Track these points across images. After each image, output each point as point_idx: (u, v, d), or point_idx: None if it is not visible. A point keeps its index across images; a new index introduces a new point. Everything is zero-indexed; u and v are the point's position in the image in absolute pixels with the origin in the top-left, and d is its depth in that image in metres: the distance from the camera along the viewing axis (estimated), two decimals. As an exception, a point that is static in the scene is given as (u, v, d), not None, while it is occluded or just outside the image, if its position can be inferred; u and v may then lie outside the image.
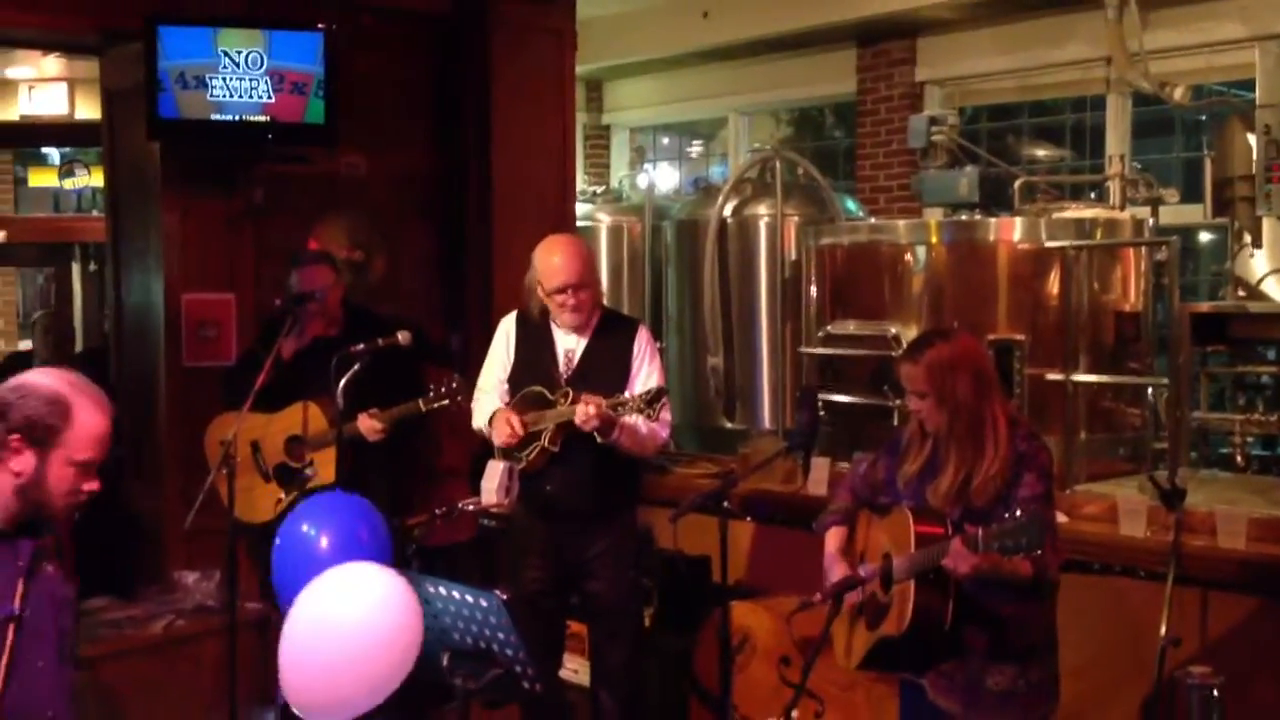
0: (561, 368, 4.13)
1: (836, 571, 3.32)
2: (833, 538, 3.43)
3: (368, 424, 4.38)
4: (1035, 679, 3.17)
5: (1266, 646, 3.77)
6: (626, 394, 3.90)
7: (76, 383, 2.56)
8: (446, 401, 4.35)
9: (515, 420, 4.02)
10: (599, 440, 3.95)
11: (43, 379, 2.55)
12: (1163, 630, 3.42)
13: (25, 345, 7.24)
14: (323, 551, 2.91)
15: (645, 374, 4.12)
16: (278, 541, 3.03)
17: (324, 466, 4.31)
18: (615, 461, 4.05)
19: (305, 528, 3.00)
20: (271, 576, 2.94)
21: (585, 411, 3.84)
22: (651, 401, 3.82)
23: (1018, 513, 2.89)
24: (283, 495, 4.34)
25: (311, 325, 4.55)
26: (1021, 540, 2.83)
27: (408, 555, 3.57)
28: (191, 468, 4.68)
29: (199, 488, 4.14)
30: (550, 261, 4.08)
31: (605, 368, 4.11)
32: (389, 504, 4.60)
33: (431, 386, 4.37)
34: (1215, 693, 3.30)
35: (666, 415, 4.14)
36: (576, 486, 4.05)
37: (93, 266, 8.35)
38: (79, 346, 7.74)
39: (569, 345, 4.17)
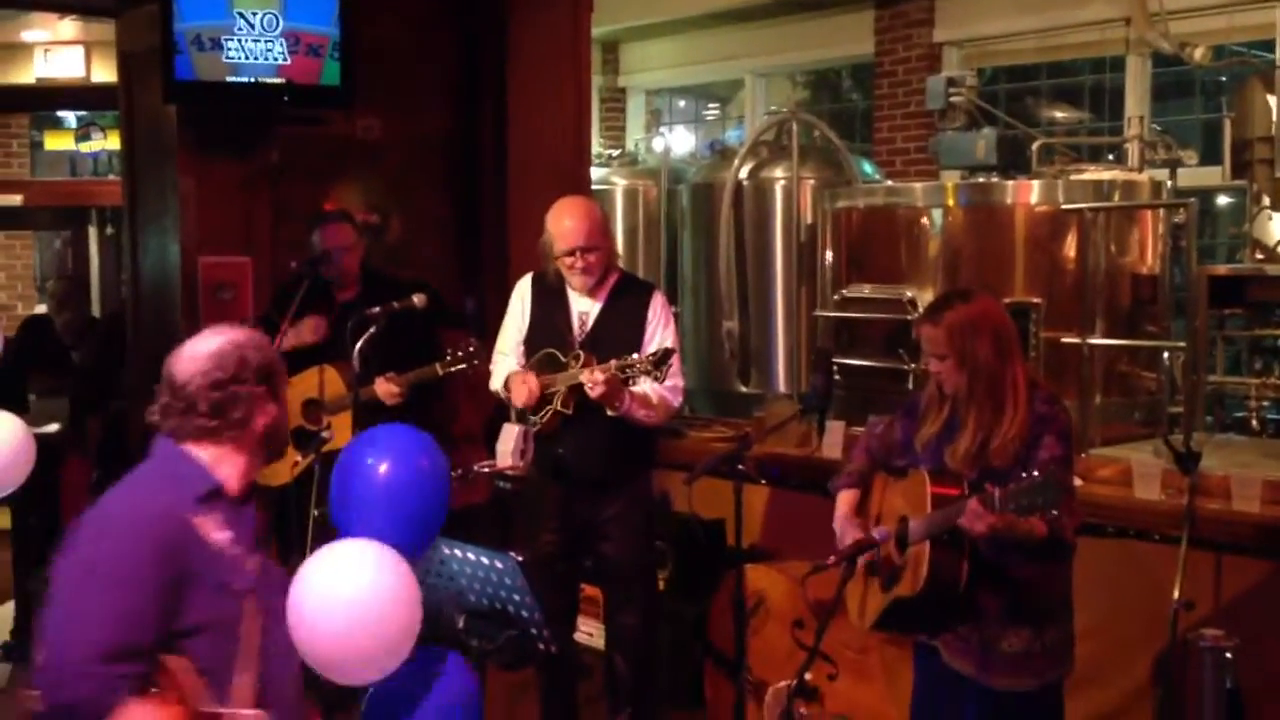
0: (575, 330, 4.14)
1: (848, 534, 3.33)
2: (844, 500, 3.43)
3: (385, 388, 4.41)
4: (1050, 641, 3.18)
5: (1279, 609, 3.77)
6: (635, 355, 3.90)
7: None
8: (464, 365, 4.37)
9: (532, 380, 4.03)
10: (609, 413, 3.95)
11: (223, 334, 2.48)
12: (1176, 593, 3.43)
13: (42, 309, 7.28)
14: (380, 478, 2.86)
15: (659, 338, 4.12)
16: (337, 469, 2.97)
17: (341, 430, 4.33)
18: (629, 427, 4.06)
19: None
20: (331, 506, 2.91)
21: (593, 378, 3.85)
22: (659, 362, 3.82)
23: (1034, 473, 2.89)
24: (299, 458, 4.37)
25: (339, 292, 4.57)
26: (1038, 500, 2.83)
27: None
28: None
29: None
30: (561, 224, 4.08)
31: (619, 331, 4.11)
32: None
33: (449, 350, 4.38)
34: (1228, 655, 3.30)
35: (680, 381, 4.15)
36: (590, 451, 4.06)
37: (109, 230, 8.38)
38: (95, 310, 7.81)
39: (583, 308, 4.17)
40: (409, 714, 2.86)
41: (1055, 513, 2.89)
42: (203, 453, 2.42)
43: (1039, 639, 3.16)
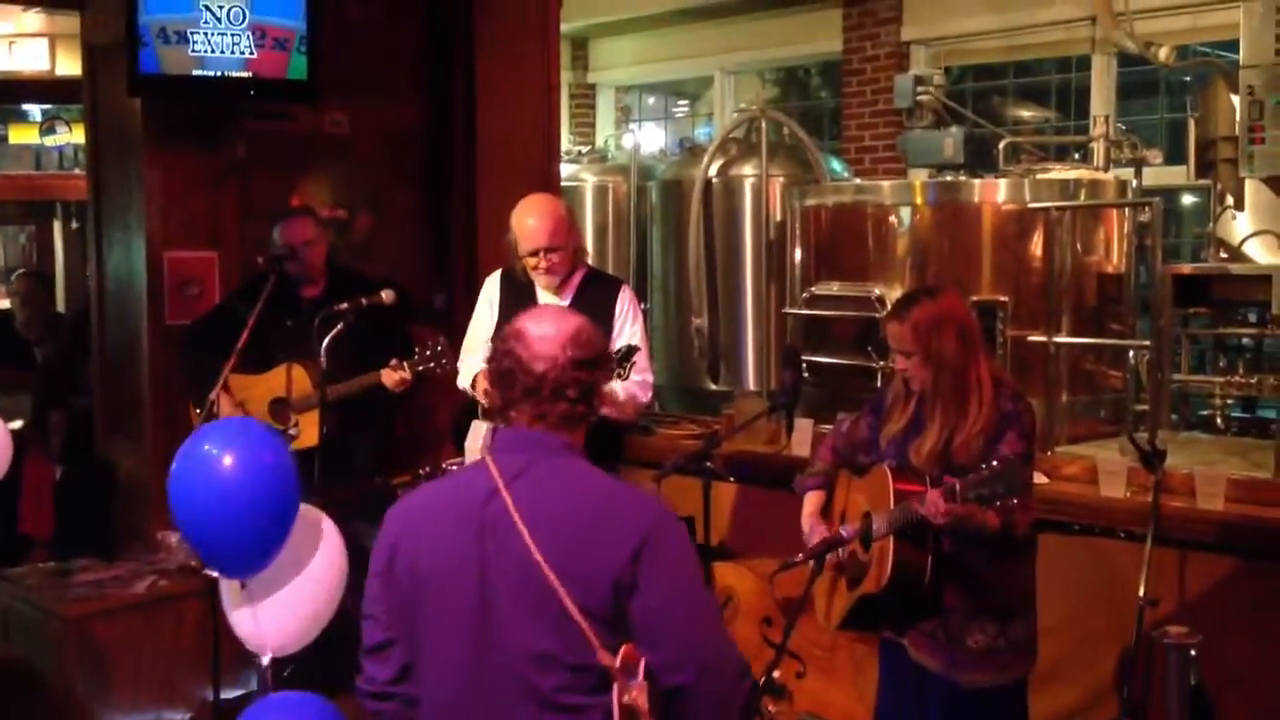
0: (544, 328, 4.12)
1: (815, 533, 3.34)
2: (810, 500, 3.45)
3: (394, 376, 4.35)
4: (1015, 638, 3.20)
5: (1243, 606, 3.81)
6: None
7: None
8: (432, 364, 4.34)
9: None
10: None
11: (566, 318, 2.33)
12: (1141, 590, 3.46)
13: (5, 304, 7.19)
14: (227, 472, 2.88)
15: (627, 334, 4.11)
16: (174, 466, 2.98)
17: (307, 428, 4.30)
18: (596, 423, 4.03)
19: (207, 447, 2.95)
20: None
21: None
22: (623, 359, 3.81)
23: (993, 463, 2.91)
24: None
25: (305, 289, 4.54)
26: (998, 488, 2.86)
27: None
28: (174, 426, 4.67)
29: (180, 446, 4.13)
30: (524, 224, 4.07)
31: (588, 327, 4.09)
32: (374, 464, 4.62)
33: (417, 349, 4.36)
34: (1192, 652, 3.34)
35: (649, 377, 4.14)
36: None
37: (75, 224, 8.28)
38: (60, 305, 7.71)
39: (551, 304, 4.16)
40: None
41: (1014, 502, 2.91)
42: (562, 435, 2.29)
43: (1003, 635, 3.18)
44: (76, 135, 8.75)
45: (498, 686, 2.16)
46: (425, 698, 2.25)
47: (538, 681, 2.13)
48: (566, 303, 4.15)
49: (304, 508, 2.98)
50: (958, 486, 2.91)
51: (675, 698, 2.13)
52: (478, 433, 3.93)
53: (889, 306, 5.01)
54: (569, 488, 2.23)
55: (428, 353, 4.34)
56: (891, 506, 3.09)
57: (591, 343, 2.28)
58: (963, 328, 3.19)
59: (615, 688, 2.08)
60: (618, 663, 2.09)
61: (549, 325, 2.27)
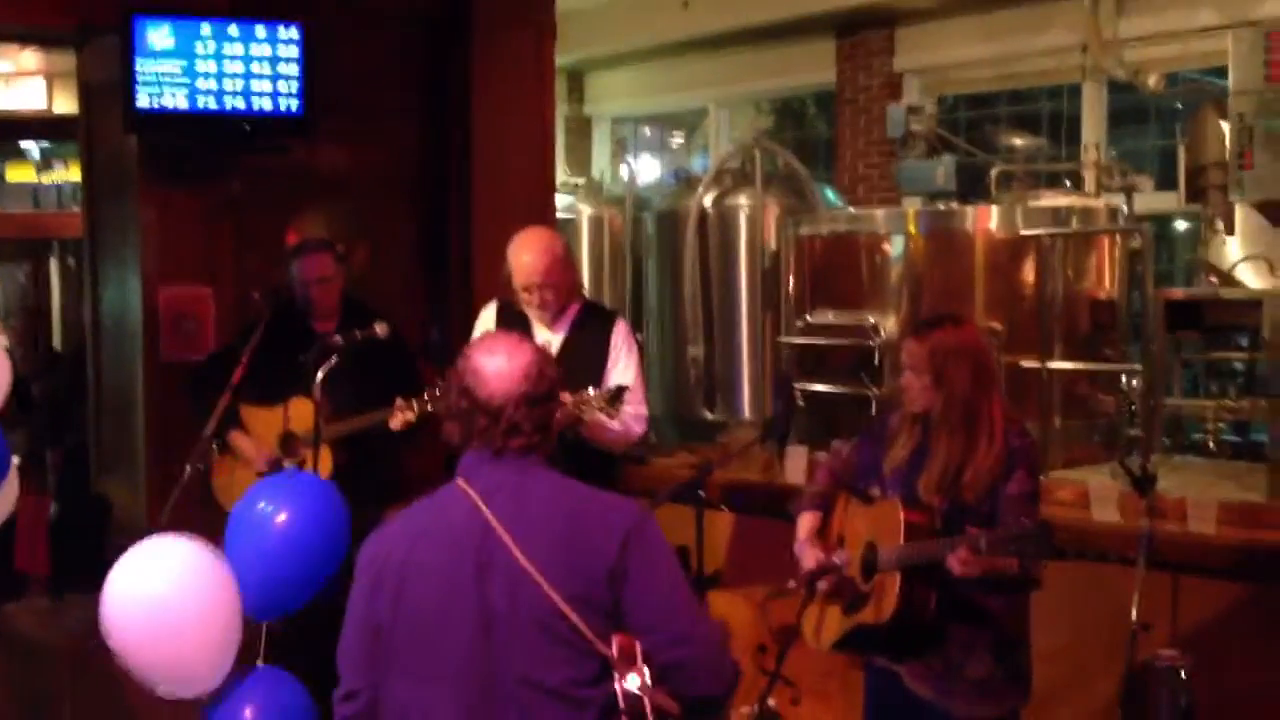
0: (537, 360, 4.13)
1: (808, 557, 3.32)
2: (805, 523, 3.42)
3: (399, 418, 4.31)
4: (1012, 669, 3.19)
5: (1236, 630, 3.80)
6: (590, 390, 3.89)
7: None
8: (441, 405, 4.30)
9: None
10: (569, 436, 3.95)
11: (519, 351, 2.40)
12: (1134, 615, 3.44)
13: (3, 340, 7.21)
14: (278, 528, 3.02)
15: (622, 367, 4.12)
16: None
17: (323, 460, 4.28)
18: (589, 454, 4.05)
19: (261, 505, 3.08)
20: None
21: None
22: (613, 399, 3.83)
23: (1024, 521, 2.90)
24: (260, 489, 4.33)
25: (318, 323, 4.52)
26: (1027, 548, 2.88)
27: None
28: (170, 463, 4.67)
29: (176, 482, 4.15)
30: (520, 259, 4.09)
31: (582, 360, 4.11)
32: (384, 496, 4.58)
33: (427, 391, 4.33)
34: (1183, 675, 3.33)
35: (643, 409, 4.15)
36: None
37: (71, 262, 8.32)
38: (57, 343, 7.74)
39: (546, 338, 4.17)
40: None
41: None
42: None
43: (1001, 666, 3.17)
44: (74, 173, 8.81)
45: (503, 693, 2.23)
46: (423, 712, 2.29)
47: (543, 678, 2.22)
48: (562, 335, 4.17)
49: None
50: (984, 541, 2.89)
51: (673, 674, 2.26)
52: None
53: (883, 335, 5.06)
54: (548, 496, 2.34)
55: (436, 392, 4.32)
56: (901, 538, 3.07)
57: (545, 376, 2.35)
58: (979, 363, 3.18)
59: (616, 675, 2.21)
60: (614, 652, 2.21)
61: (502, 360, 2.33)
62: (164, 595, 2.92)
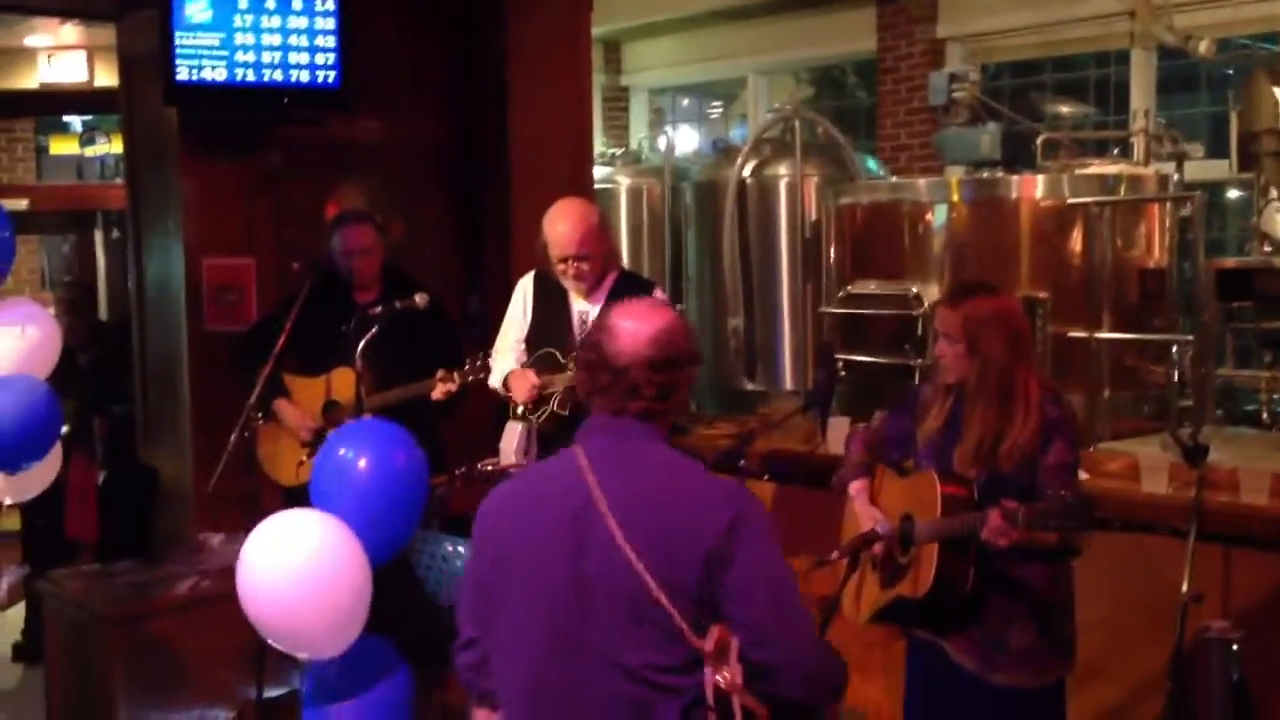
0: (576, 330, 4.12)
1: (867, 522, 3.28)
2: (861, 490, 3.38)
3: (441, 388, 4.32)
4: (1055, 638, 3.15)
5: (1289, 602, 3.75)
6: None
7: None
8: (482, 375, 4.32)
9: (533, 375, 4.03)
10: None
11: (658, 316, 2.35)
12: (1184, 587, 3.41)
13: (50, 310, 7.29)
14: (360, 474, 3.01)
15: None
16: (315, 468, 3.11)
17: None
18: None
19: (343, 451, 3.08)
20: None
21: None
22: None
23: (1064, 494, 2.87)
24: (304, 458, 4.36)
25: (360, 294, 4.53)
26: (1067, 522, 2.84)
27: (429, 515, 3.58)
28: (214, 430, 4.71)
29: (222, 450, 4.18)
30: (556, 229, 4.07)
31: (621, 330, 4.09)
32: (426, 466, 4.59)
33: (467, 362, 4.35)
34: (1234, 647, 3.29)
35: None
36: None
37: (115, 234, 8.39)
38: (103, 313, 7.81)
39: (583, 308, 4.16)
40: (344, 701, 2.97)
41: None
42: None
43: (1044, 635, 3.14)
44: (116, 146, 8.89)
45: (586, 665, 2.20)
46: (508, 678, 2.30)
47: (624, 657, 2.16)
48: (599, 306, 4.14)
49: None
50: (1020, 514, 2.85)
51: (763, 674, 2.16)
52: (512, 433, 3.94)
53: (925, 305, 5.01)
54: (655, 470, 2.26)
55: (478, 364, 4.33)
56: (938, 514, 3.04)
57: (673, 343, 2.30)
58: (1015, 332, 3.14)
59: (707, 670, 2.12)
60: (710, 645, 2.12)
61: (635, 322, 2.31)
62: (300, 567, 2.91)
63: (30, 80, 8.97)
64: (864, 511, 3.33)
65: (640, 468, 2.26)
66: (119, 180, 8.22)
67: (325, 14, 4.99)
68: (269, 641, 2.96)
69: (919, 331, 4.99)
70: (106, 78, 8.43)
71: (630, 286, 4.23)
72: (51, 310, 7.26)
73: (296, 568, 2.85)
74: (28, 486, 3.93)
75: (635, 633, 2.15)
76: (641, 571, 2.13)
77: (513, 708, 2.30)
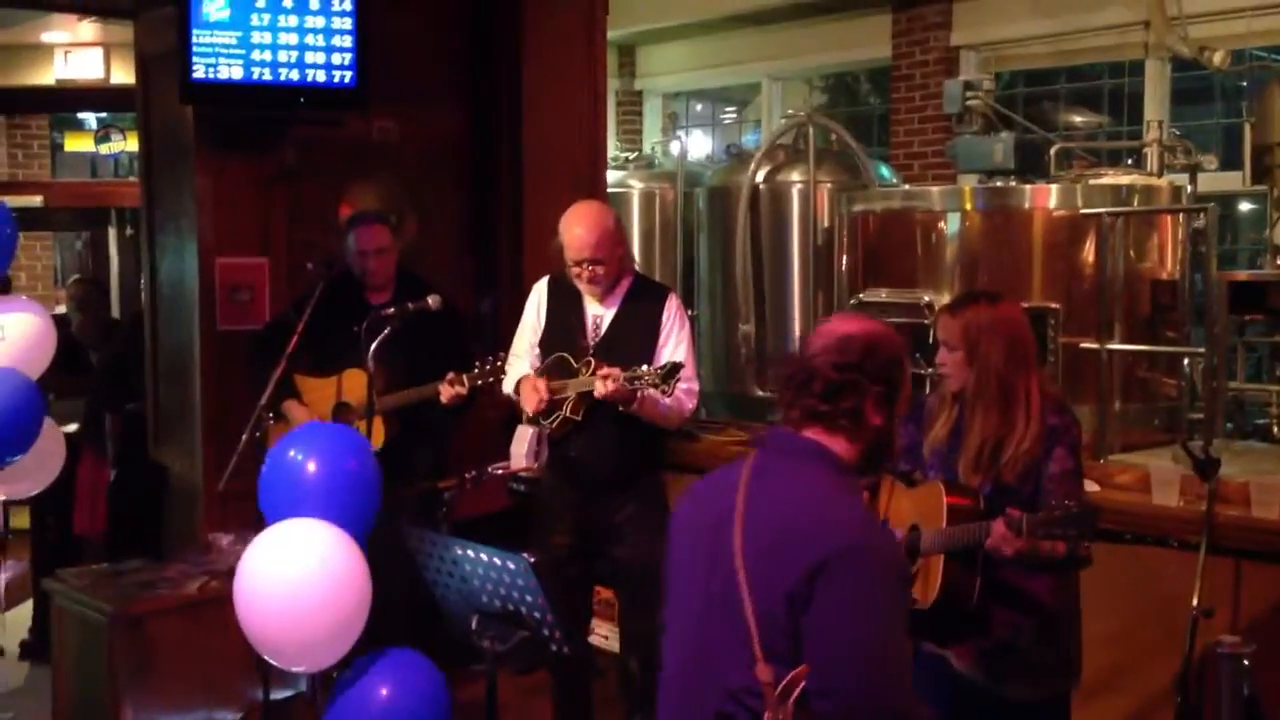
0: (589, 335, 4.13)
1: None
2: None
3: (449, 391, 4.34)
4: (1060, 652, 3.15)
5: (1300, 617, 3.73)
6: (644, 367, 3.88)
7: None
8: (491, 379, 4.33)
9: (542, 386, 4.03)
10: (621, 409, 3.95)
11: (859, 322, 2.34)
12: (1195, 601, 3.39)
13: (61, 309, 7.32)
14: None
15: (673, 343, 4.10)
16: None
17: (376, 433, 4.30)
18: (638, 429, 4.05)
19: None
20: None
21: (603, 386, 3.85)
22: (667, 376, 3.81)
23: (1068, 503, 2.87)
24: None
25: (373, 295, 4.54)
26: (1070, 530, 2.83)
27: (438, 518, 3.58)
28: (225, 430, 4.72)
29: (233, 450, 4.19)
30: (572, 232, 4.07)
31: (633, 336, 4.10)
32: (433, 469, 4.61)
33: (477, 364, 4.35)
34: (1245, 662, 3.27)
35: (695, 385, 4.14)
36: (599, 453, 4.05)
37: (129, 231, 8.41)
38: (115, 311, 7.83)
39: (598, 312, 4.16)
40: (373, 714, 2.96)
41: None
42: (817, 439, 2.27)
43: (1050, 649, 3.13)
44: (131, 144, 8.91)
45: (701, 680, 2.21)
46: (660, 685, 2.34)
47: (724, 675, 2.15)
48: (613, 310, 4.15)
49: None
50: (1025, 522, 2.85)
51: None
52: (522, 437, 3.94)
53: (937, 313, 5.00)
54: (795, 491, 2.21)
55: (487, 367, 4.33)
56: (944, 522, 3.04)
57: (854, 350, 2.25)
58: (1014, 339, 3.14)
59: (765, 703, 2.06)
60: (767, 676, 2.06)
61: (834, 323, 2.34)
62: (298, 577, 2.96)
63: (47, 77, 9.00)
64: None
65: (785, 487, 2.21)
66: (133, 178, 8.25)
67: (342, 14, 4.99)
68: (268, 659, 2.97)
69: (930, 340, 4.98)
70: (123, 75, 8.46)
71: (645, 291, 4.25)
72: (61, 308, 7.30)
73: (293, 580, 2.92)
74: (21, 482, 3.90)
75: (739, 653, 2.11)
76: (744, 593, 2.11)
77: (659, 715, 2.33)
